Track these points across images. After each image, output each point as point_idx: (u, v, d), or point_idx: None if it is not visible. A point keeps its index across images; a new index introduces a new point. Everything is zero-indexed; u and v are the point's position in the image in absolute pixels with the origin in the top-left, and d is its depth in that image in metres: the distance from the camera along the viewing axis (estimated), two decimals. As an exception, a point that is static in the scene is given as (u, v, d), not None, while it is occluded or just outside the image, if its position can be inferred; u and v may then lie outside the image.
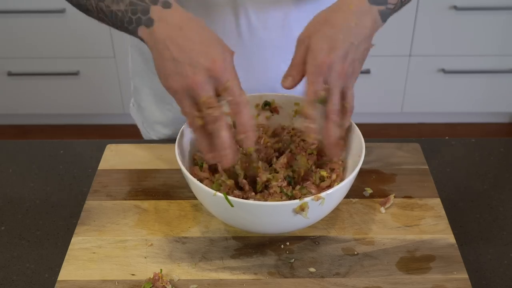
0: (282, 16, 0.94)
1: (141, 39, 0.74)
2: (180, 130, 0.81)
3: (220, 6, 0.91)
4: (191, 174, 0.76)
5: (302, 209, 0.70)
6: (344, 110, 0.75)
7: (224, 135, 0.71)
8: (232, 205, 0.70)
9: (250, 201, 0.70)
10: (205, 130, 0.72)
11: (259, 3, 0.91)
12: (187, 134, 0.82)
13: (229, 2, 0.90)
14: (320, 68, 0.72)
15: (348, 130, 0.81)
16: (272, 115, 0.89)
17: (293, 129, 0.88)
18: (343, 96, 0.75)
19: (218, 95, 0.71)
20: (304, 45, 0.74)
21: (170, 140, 0.99)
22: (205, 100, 0.70)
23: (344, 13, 0.73)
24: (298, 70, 0.75)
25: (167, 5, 0.73)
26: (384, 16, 0.76)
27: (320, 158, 0.83)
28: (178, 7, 0.74)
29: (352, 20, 0.73)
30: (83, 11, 0.80)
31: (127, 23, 0.74)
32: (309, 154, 0.83)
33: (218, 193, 0.70)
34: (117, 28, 0.77)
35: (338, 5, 0.75)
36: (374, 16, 0.75)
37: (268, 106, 0.89)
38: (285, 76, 0.76)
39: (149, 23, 0.72)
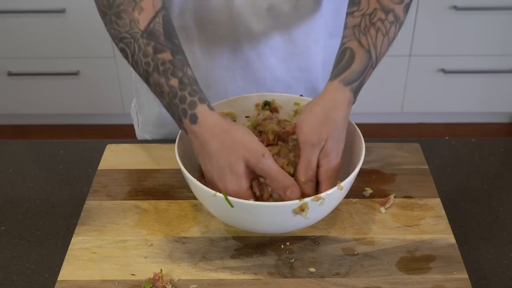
0: (281, 18, 0.94)
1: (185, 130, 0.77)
2: (180, 131, 0.81)
3: (218, 8, 0.91)
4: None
5: (302, 209, 0.70)
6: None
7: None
8: (232, 206, 0.70)
9: (250, 202, 0.70)
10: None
11: (258, 5, 0.91)
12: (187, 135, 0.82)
13: (227, 4, 0.90)
14: (334, 171, 0.76)
15: (348, 130, 0.81)
16: (272, 114, 0.89)
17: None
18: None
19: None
20: (319, 148, 0.75)
21: (168, 140, 0.99)
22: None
23: (341, 111, 0.76)
24: (314, 173, 0.76)
25: (193, 121, 0.75)
26: (357, 95, 0.80)
27: None
28: (204, 119, 0.74)
29: (345, 114, 0.77)
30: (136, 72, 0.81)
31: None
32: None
33: (218, 194, 0.70)
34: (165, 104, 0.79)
35: (332, 101, 0.77)
36: (352, 102, 0.79)
37: (268, 106, 0.89)
38: (306, 183, 0.76)
39: (186, 131, 0.76)
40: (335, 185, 0.73)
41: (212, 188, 0.73)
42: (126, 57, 0.79)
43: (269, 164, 0.72)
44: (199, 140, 0.74)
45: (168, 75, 0.75)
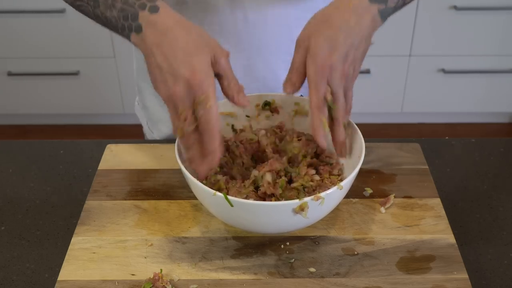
0: (281, 15, 0.94)
1: (135, 45, 0.74)
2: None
3: (218, 7, 0.91)
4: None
5: (301, 209, 0.70)
6: (345, 111, 0.76)
7: (196, 150, 0.72)
8: (231, 205, 0.70)
9: (250, 201, 0.71)
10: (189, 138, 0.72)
11: (257, 2, 0.91)
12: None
13: (227, 2, 0.90)
14: (321, 70, 0.71)
15: (348, 130, 0.81)
16: (272, 115, 0.89)
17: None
18: (345, 96, 0.74)
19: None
20: (304, 47, 0.73)
21: (168, 140, 0.99)
22: (182, 112, 0.69)
23: (343, 12, 0.72)
24: (299, 73, 0.74)
25: (154, 10, 0.72)
26: (384, 15, 0.74)
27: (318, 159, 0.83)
28: (166, 10, 0.72)
29: (352, 19, 0.72)
30: (84, 15, 0.80)
31: (120, 29, 0.74)
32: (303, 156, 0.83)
33: (218, 193, 0.70)
34: (116, 33, 0.77)
35: (338, 3, 0.74)
36: (373, 15, 0.73)
37: (268, 106, 0.89)
38: (286, 81, 0.75)
39: (138, 29, 0.72)
40: (348, 111, 0.72)
41: (171, 81, 0.69)
42: None
43: (229, 64, 0.72)
44: (161, 29, 0.70)
45: None
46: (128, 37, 0.74)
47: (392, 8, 0.76)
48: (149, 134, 1.16)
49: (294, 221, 0.73)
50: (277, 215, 0.72)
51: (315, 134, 0.73)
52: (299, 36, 0.74)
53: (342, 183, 0.72)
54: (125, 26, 0.73)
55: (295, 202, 0.69)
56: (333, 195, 0.72)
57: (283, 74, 1.00)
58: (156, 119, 1.10)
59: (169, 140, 0.97)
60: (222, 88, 0.74)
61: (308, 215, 0.71)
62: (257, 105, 0.89)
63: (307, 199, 0.69)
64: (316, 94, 0.71)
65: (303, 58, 0.73)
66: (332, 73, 0.71)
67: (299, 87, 0.75)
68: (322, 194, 0.70)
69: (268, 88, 0.99)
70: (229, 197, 0.69)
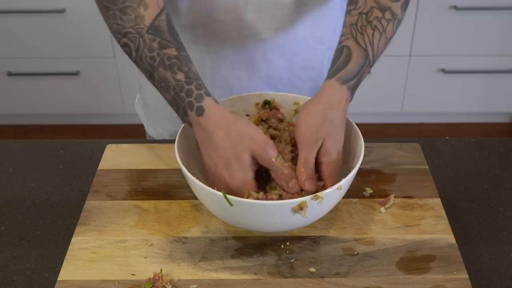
0: (284, 16, 0.94)
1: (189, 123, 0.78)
2: (180, 129, 0.81)
3: (223, 6, 0.91)
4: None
5: (300, 208, 0.70)
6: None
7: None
8: (231, 204, 0.70)
9: (249, 200, 0.71)
10: None
11: (263, 4, 0.91)
12: (187, 134, 0.82)
13: (233, 3, 0.90)
14: (334, 167, 0.78)
15: (348, 130, 0.82)
16: (271, 111, 0.89)
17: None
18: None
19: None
20: (317, 147, 0.76)
21: (169, 139, 0.99)
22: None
23: (339, 111, 0.78)
24: (314, 171, 0.77)
25: (200, 112, 0.76)
26: (353, 93, 0.81)
27: None
28: (211, 111, 0.76)
29: (343, 116, 0.79)
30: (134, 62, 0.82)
31: (176, 109, 0.79)
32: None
33: (217, 192, 0.70)
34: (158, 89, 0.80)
35: (332, 102, 0.78)
36: (349, 101, 0.80)
37: (267, 105, 0.89)
38: (307, 180, 0.77)
39: (190, 124, 0.77)
40: (337, 181, 0.74)
41: (216, 180, 0.75)
42: (130, 52, 0.79)
43: (271, 153, 0.75)
44: (206, 132, 0.75)
45: (174, 69, 0.76)
46: (182, 119, 0.79)
47: (358, 83, 0.81)
48: (151, 131, 1.16)
49: (293, 220, 0.73)
50: (276, 214, 0.72)
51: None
52: (303, 133, 0.77)
53: (341, 183, 0.72)
54: (180, 109, 0.78)
55: (294, 201, 0.69)
56: (332, 194, 0.72)
57: (285, 73, 1.00)
58: (158, 116, 1.10)
59: (169, 140, 0.97)
60: (274, 179, 0.77)
61: (307, 214, 0.71)
62: (257, 104, 0.89)
63: (306, 198, 0.70)
64: (331, 185, 0.76)
65: (315, 156, 0.77)
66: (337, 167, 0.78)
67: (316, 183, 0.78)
68: (321, 193, 0.70)
69: (271, 86, 0.99)
70: (228, 196, 0.70)
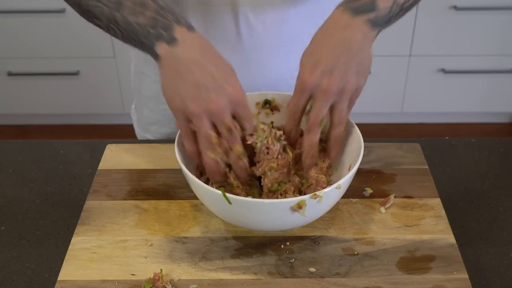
0: (281, 16, 0.94)
1: (155, 55, 0.74)
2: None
3: (219, 7, 0.91)
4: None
5: (299, 207, 0.70)
6: (331, 124, 0.76)
7: (242, 164, 0.76)
8: (230, 203, 0.70)
9: (248, 199, 0.71)
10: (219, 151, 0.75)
11: (258, 3, 0.91)
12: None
13: (228, 2, 0.90)
14: (303, 86, 0.73)
15: (347, 129, 0.82)
16: (272, 113, 0.90)
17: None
18: (331, 111, 0.75)
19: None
20: (308, 69, 0.74)
21: (168, 140, 0.99)
22: (227, 124, 0.72)
23: (326, 31, 0.74)
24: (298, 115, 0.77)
25: (191, 28, 0.74)
26: (377, 24, 0.74)
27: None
28: (199, 33, 0.75)
29: (335, 36, 0.73)
30: (88, 17, 0.79)
31: (143, 36, 0.74)
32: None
33: (217, 191, 0.71)
34: (126, 40, 0.77)
35: (323, 25, 0.76)
36: (361, 27, 0.73)
37: (268, 104, 0.89)
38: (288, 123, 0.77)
39: (172, 41, 0.73)
40: (302, 99, 0.74)
41: (198, 104, 0.72)
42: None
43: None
44: (199, 46, 0.74)
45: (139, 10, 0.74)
46: (150, 46, 0.74)
47: (385, 15, 0.74)
48: (139, 135, 1.16)
49: (292, 219, 0.73)
50: (275, 213, 0.72)
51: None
52: (304, 59, 0.76)
53: (340, 182, 0.72)
54: (151, 33, 0.73)
55: (293, 200, 0.70)
56: (331, 193, 0.72)
57: (282, 73, 1.00)
58: (150, 120, 1.10)
59: (169, 140, 0.97)
60: None
61: (306, 213, 0.71)
62: (257, 103, 0.89)
63: (305, 197, 0.70)
64: (294, 106, 0.75)
65: (305, 101, 0.76)
66: (314, 89, 0.73)
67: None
68: (320, 192, 0.71)
69: (267, 87, 0.99)
70: (227, 194, 0.70)
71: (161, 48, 0.73)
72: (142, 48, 0.76)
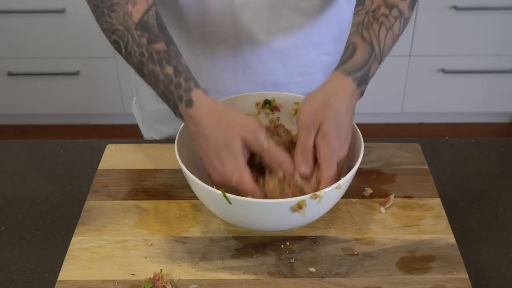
0: (282, 21, 0.93)
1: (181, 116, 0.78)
2: (180, 129, 0.81)
3: (220, 11, 0.91)
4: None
5: (299, 207, 0.70)
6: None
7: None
8: (230, 202, 0.70)
9: (248, 199, 0.71)
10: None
11: (259, 8, 0.91)
12: (186, 133, 0.82)
13: (229, 7, 0.90)
14: (335, 153, 0.75)
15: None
16: (273, 113, 0.90)
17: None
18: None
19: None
20: (314, 131, 0.75)
21: (171, 139, 0.99)
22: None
23: (342, 98, 0.76)
24: (310, 154, 0.76)
25: (189, 104, 0.76)
26: (361, 86, 0.79)
27: None
28: (200, 103, 0.76)
29: (349, 104, 0.77)
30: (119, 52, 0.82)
31: (167, 101, 0.79)
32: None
33: (217, 191, 0.71)
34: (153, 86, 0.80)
35: (335, 89, 0.77)
36: (358, 96, 0.79)
37: (268, 104, 0.89)
38: (302, 163, 0.76)
39: (181, 118, 0.77)
40: (337, 177, 0.74)
41: (211, 171, 0.75)
42: (119, 49, 0.80)
43: (264, 139, 0.74)
44: (196, 124, 0.75)
45: (163, 63, 0.76)
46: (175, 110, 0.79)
47: (367, 79, 0.81)
48: (146, 133, 1.16)
49: (292, 219, 0.73)
50: (275, 213, 0.72)
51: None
52: (302, 117, 0.76)
53: (340, 182, 0.72)
54: (171, 102, 0.78)
55: (293, 200, 0.70)
56: (331, 193, 0.72)
57: (282, 78, 1.00)
58: (153, 119, 1.11)
59: (169, 140, 0.97)
60: (267, 164, 0.77)
61: (306, 213, 0.71)
62: (257, 104, 0.89)
63: (305, 197, 0.70)
64: (328, 172, 0.75)
65: (313, 140, 0.76)
66: (340, 154, 0.76)
67: (312, 167, 0.77)
68: (320, 192, 0.71)
69: (268, 91, 0.99)
70: (227, 194, 0.70)
71: (183, 117, 0.78)
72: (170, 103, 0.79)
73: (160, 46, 0.77)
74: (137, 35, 0.77)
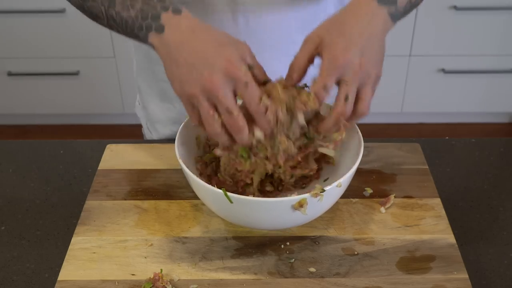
0: (280, 18, 0.93)
1: (152, 46, 0.74)
2: (179, 128, 0.81)
3: (218, 8, 0.91)
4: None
5: (300, 205, 0.70)
6: (354, 112, 0.75)
7: (244, 134, 0.72)
8: (231, 201, 0.70)
9: (249, 197, 0.71)
10: (225, 131, 0.72)
11: (257, 5, 0.91)
12: (187, 133, 0.82)
13: (227, 3, 0.90)
14: (336, 63, 0.71)
15: (348, 130, 0.81)
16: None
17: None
18: (357, 97, 0.74)
19: (235, 95, 0.71)
20: (314, 43, 0.73)
21: (170, 140, 0.99)
22: (223, 102, 0.69)
23: (356, 14, 0.73)
24: (301, 68, 0.74)
25: (177, 12, 0.73)
26: (395, 18, 0.75)
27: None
28: (188, 13, 0.74)
29: (364, 19, 0.73)
30: (92, 18, 0.80)
31: (137, 29, 0.74)
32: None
33: (218, 190, 0.71)
34: (127, 35, 0.77)
35: (349, 8, 0.74)
36: (384, 17, 0.74)
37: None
38: (288, 76, 0.75)
39: (160, 29, 0.73)
40: (332, 79, 0.71)
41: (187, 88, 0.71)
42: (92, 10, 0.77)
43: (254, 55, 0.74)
44: (185, 28, 0.72)
45: None
46: (145, 38, 0.74)
47: (401, 11, 0.76)
48: (147, 134, 1.16)
49: (293, 218, 0.73)
50: (276, 211, 0.72)
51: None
52: (309, 34, 0.74)
53: (340, 180, 0.73)
54: (143, 26, 0.74)
55: (294, 199, 0.70)
56: (332, 191, 0.72)
57: (281, 74, 1.00)
58: (154, 119, 1.11)
59: (169, 140, 0.97)
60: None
61: (307, 211, 0.71)
62: None
63: (306, 195, 0.70)
64: (322, 81, 0.71)
65: (309, 54, 0.73)
66: (346, 69, 0.71)
67: (298, 82, 0.75)
68: (321, 191, 0.71)
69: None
70: (228, 193, 0.70)
71: (153, 38, 0.73)
72: (140, 41, 0.76)
73: None
74: None
